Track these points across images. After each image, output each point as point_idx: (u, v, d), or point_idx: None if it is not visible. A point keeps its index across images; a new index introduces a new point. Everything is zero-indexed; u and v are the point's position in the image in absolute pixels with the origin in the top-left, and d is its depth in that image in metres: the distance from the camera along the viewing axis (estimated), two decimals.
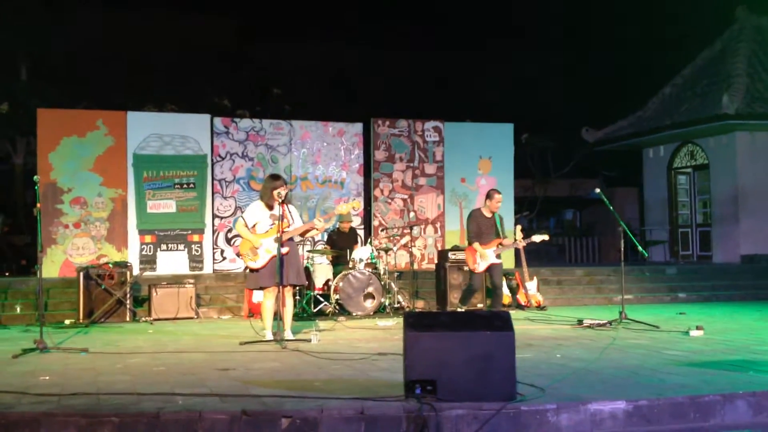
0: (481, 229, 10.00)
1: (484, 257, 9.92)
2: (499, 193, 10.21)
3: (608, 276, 13.74)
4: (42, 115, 12.29)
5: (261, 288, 8.09)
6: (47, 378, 5.84)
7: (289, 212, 8.04)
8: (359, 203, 10.30)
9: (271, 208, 7.99)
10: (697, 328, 8.46)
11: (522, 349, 6.69)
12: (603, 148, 19.83)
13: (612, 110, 19.80)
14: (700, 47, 18.60)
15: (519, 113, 18.49)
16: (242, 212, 8.39)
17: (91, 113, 13.06)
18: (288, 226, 7.91)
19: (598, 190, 10.13)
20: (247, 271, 8.27)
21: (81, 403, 4.84)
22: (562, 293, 13.15)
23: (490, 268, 9.99)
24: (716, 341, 7.84)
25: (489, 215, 10.09)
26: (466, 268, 11.46)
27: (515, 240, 10.24)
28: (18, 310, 10.59)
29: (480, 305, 11.00)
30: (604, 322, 9.19)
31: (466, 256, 10.24)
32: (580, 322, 9.39)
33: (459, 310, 10.11)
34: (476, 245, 9.93)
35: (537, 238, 10.17)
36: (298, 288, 9.62)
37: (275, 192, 7.92)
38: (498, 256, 9.99)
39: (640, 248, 9.98)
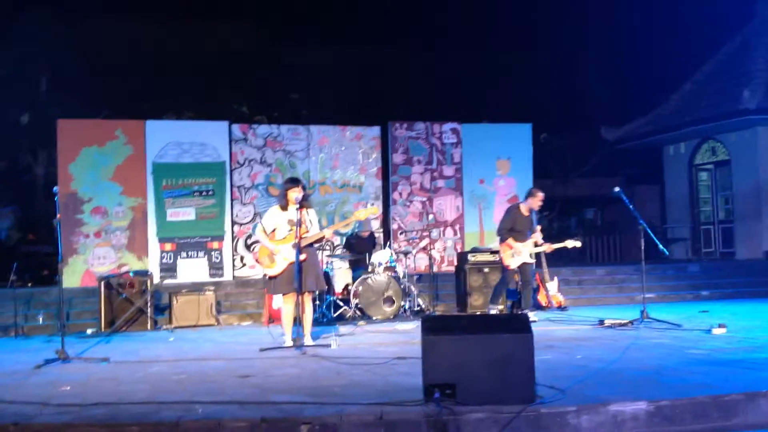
0: (515, 226, 10.00)
1: (518, 254, 9.96)
2: (542, 191, 10.18)
3: (630, 275, 13.64)
4: (62, 126, 12.39)
5: (280, 293, 8.10)
6: (68, 388, 5.89)
7: (308, 217, 8.03)
8: (377, 209, 10.31)
9: (285, 209, 7.99)
10: (720, 326, 8.37)
11: (542, 350, 6.65)
12: (623, 146, 19.66)
13: (631, 108, 19.63)
14: (720, 42, 18.40)
15: (537, 112, 18.39)
16: (261, 218, 8.40)
17: (110, 123, 13.16)
18: (306, 232, 7.91)
19: (617, 189, 10.05)
20: (267, 277, 8.30)
21: (102, 413, 4.88)
22: (583, 293, 13.07)
23: (522, 267, 10.02)
24: (739, 339, 7.75)
25: (527, 213, 10.11)
26: (486, 270, 11.45)
27: (545, 243, 10.23)
28: (40, 320, 10.68)
29: (500, 307, 10.89)
30: (625, 321, 9.12)
31: (501, 251, 10.21)
32: (601, 322, 9.32)
33: (492, 310, 10.14)
34: (511, 241, 9.95)
35: (570, 243, 10.20)
36: (317, 293, 9.62)
37: (289, 194, 7.94)
38: (531, 256, 10.06)
39: (660, 246, 9.87)
